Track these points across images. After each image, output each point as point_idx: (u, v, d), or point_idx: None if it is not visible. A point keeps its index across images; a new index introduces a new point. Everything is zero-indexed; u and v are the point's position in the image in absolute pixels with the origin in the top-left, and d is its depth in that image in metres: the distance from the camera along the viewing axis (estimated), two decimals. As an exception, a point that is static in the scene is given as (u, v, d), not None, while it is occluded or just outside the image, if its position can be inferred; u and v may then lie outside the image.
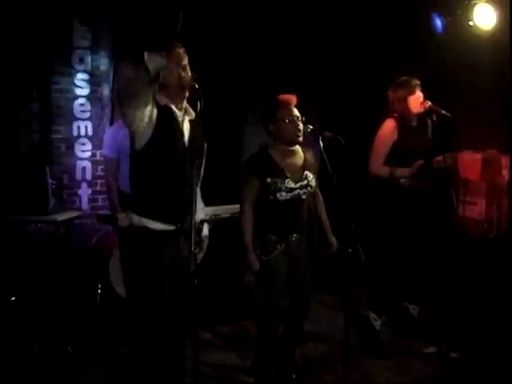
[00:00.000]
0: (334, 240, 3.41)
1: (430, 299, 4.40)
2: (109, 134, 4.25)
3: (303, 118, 3.13)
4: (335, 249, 3.39)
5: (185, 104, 2.72)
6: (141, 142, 2.58)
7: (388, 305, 4.00)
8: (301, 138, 3.13)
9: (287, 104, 3.14)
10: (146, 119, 2.53)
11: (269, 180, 3.09)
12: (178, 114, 2.67)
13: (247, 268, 3.20)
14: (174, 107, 2.65)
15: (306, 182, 3.18)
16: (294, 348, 3.41)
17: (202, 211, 2.93)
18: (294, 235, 3.20)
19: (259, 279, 3.28)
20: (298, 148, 3.21)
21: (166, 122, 2.61)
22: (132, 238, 2.67)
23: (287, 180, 3.12)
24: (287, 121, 3.10)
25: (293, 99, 3.16)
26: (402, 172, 3.71)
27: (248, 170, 3.16)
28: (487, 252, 4.60)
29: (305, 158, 3.24)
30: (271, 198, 3.11)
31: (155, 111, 2.56)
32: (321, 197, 3.46)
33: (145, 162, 2.60)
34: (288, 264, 3.18)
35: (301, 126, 3.11)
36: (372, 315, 3.88)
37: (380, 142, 3.79)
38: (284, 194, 3.11)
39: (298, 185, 3.15)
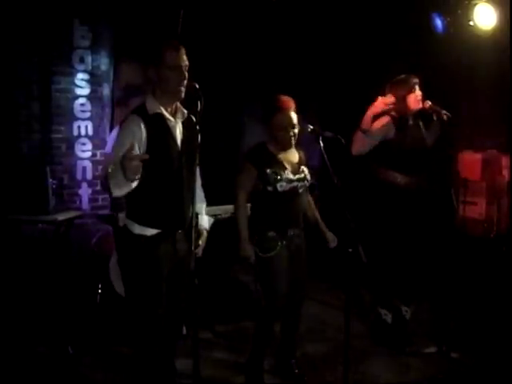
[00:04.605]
0: (331, 235, 3.40)
1: (431, 299, 4.40)
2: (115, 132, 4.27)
3: (297, 125, 3.15)
4: (335, 243, 3.37)
5: (176, 104, 2.71)
6: None
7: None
8: (293, 143, 3.18)
9: (285, 110, 3.13)
10: (136, 149, 2.49)
11: (269, 171, 3.12)
12: (170, 119, 2.66)
13: (242, 260, 3.19)
14: (165, 113, 2.63)
15: (303, 175, 3.23)
16: (294, 342, 3.46)
17: (202, 204, 2.93)
18: (293, 229, 3.22)
19: (258, 277, 3.28)
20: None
21: (158, 134, 2.59)
22: (129, 242, 2.67)
23: (286, 171, 3.16)
24: (281, 127, 3.13)
25: (291, 105, 3.15)
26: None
27: (247, 160, 3.19)
28: (487, 252, 4.60)
29: (299, 156, 3.31)
30: (270, 189, 3.13)
31: (144, 133, 2.55)
32: (309, 196, 3.48)
33: (142, 175, 2.59)
34: (288, 260, 3.21)
35: (294, 133, 3.15)
36: (383, 311, 3.91)
37: (374, 129, 3.72)
38: (284, 184, 3.14)
39: (296, 177, 3.19)
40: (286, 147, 3.20)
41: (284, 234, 3.18)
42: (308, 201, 3.46)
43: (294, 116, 3.14)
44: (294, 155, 3.27)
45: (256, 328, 3.30)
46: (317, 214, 3.47)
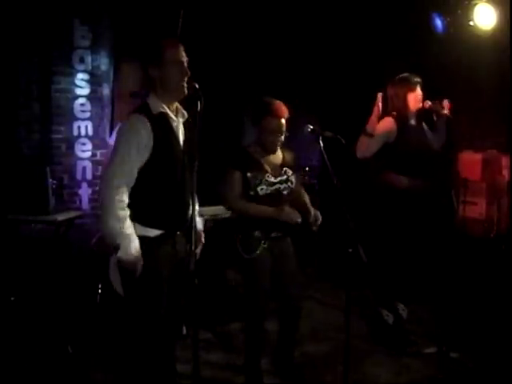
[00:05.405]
0: (313, 210, 3.24)
1: (431, 299, 4.40)
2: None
3: (285, 132, 3.14)
4: (316, 218, 3.21)
5: (176, 105, 2.70)
6: (141, 161, 2.57)
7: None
8: (277, 149, 3.19)
9: (278, 115, 3.11)
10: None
11: (249, 174, 3.11)
12: (174, 118, 2.65)
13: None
14: (168, 112, 2.63)
15: (285, 177, 3.22)
16: (293, 346, 3.46)
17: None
18: (276, 233, 3.21)
19: (243, 277, 3.29)
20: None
21: (163, 134, 2.58)
22: None
23: (267, 174, 3.15)
24: (271, 131, 3.12)
25: (284, 111, 3.12)
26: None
27: (229, 166, 3.18)
28: (487, 252, 4.60)
29: (283, 157, 3.28)
30: (252, 193, 3.12)
31: (151, 133, 2.53)
32: (303, 191, 3.43)
33: (145, 176, 2.57)
34: (272, 263, 3.20)
35: (281, 140, 3.15)
36: (384, 312, 3.91)
37: (377, 131, 3.75)
38: (265, 187, 3.13)
39: (277, 179, 3.18)
40: (270, 151, 3.19)
41: (268, 235, 3.18)
42: (299, 196, 3.37)
43: (284, 123, 3.13)
44: (276, 157, 3.25)
45: (245, 329, 3.33)
46: (307, 203, 3.36)
